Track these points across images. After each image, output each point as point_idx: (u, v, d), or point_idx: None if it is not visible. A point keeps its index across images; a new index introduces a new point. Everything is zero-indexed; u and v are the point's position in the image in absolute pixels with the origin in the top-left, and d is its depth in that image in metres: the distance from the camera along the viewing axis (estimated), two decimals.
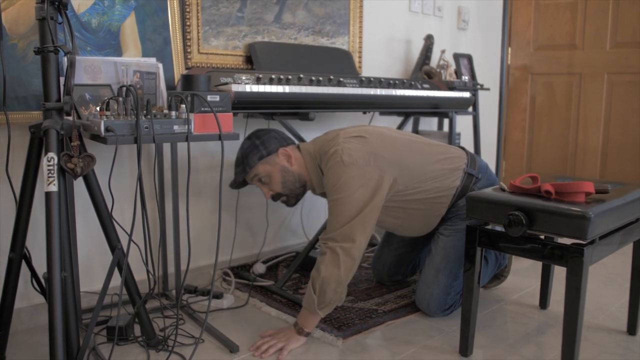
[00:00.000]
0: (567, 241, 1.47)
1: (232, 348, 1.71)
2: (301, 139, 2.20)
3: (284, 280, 2.20)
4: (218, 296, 2.08)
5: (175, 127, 1.49)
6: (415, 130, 3.22)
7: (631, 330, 1.85)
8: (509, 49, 3.88)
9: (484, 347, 1.76)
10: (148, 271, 1.49)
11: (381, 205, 1.77)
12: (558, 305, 2.10)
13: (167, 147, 2.14)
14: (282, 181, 1.91)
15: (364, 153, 1.76)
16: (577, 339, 1.44)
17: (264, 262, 2.45)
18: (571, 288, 1.44)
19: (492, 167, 3.62)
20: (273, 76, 2.02)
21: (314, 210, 2.78)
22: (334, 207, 1.73)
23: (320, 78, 2.13)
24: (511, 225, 1.50)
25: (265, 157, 1.89)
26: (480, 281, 2.06)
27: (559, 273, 2.40)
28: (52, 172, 1.32)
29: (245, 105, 1.84)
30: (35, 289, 1.58)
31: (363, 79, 2.28)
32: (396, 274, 2.25)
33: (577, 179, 1.69)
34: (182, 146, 2.17)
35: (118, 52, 1.91)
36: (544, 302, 2.08)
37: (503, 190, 1.65)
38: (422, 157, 1.88)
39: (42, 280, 1.53)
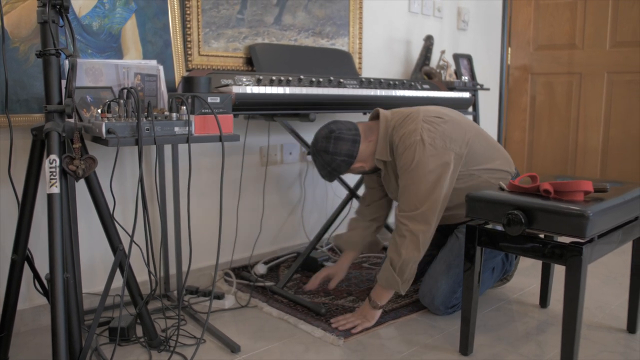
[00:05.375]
0: (566, 240, 1.48)
1: (234, 348, 1.72)
2: (303, 141, 2.21)
3: (285, 280, 2.21)
4: (219, 297, 2.09)
5: (176, 129, 1.50)
6: None
7: (631, 329, 1.86)
8: (509, 49, 3.89)
9: (484, 346, 1.76)
10: (150, 272, 1.50)
11: (451, 188, 1.83)
12: (558, 304, 2.11)
13: (167, 148, 2.15)
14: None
15: (442, 134, 1.81)
16: (577, 337, 1.45)
17: (265, 263, 2.46)
18: (570, 286, 1.45)
19: None
20: (273, 77, 2.03)
21: (314, 212, 2.79)
22: (410, 184, 1.79)
23: (321, 79, 2.14)
24: (510, 225, 1.50)
25: (341, 174, 1.94)
26: (485, 287, 2.08)
27: (559, 272, 2.40)
28: (54, 174, 1.33)
29: (246, 106, 1.85)
30: (38, 290, 1.59)
31: (363, 79, 2.29)
32: None
33: (576, 178, 1.70)
34: (182, 147, 2.18)
35: (119, 54, 1.93)
36: (544, 301, 2.09)
37: (502, 189, 1.65)
38: (489, 148, 1.94)
39: (45, 282, 1.54)
